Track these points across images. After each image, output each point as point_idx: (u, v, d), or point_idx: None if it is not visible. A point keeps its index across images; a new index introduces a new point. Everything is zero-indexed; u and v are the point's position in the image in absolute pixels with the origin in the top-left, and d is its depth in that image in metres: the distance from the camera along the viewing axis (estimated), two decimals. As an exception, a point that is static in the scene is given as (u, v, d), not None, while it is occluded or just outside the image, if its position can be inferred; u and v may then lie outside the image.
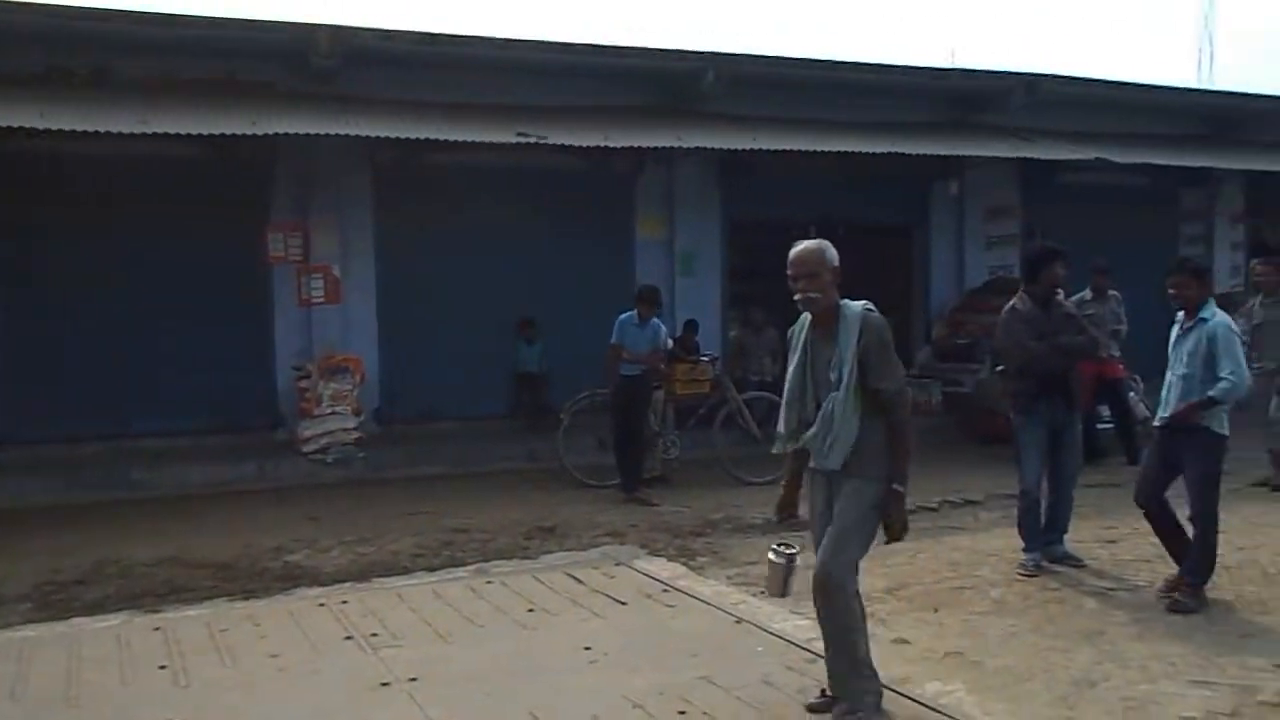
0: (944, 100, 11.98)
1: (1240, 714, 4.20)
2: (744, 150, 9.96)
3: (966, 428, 10.40)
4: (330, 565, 6.69)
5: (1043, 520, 6.32)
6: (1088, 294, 9.47)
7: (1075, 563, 6.30)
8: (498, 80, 10.32)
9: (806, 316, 4.05)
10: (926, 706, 4.27)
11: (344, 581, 6.27)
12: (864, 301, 3.98)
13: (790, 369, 4.09)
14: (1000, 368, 6.92)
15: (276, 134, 8.53)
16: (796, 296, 3.94)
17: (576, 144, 9.35)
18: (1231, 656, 4.79)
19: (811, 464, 4.11)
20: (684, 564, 6.52)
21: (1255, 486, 8.18)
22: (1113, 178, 11.89)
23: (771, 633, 5.15)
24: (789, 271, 3.92)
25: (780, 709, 4.24)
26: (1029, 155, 11.03)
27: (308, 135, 8.65)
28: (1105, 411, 9.48)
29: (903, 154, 10.14)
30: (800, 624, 5.30)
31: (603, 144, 9.41)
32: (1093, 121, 12.28)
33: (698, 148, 10.05)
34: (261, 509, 8.38)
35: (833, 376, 3.87)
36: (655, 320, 8.77)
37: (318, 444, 9.63)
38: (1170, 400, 5.61)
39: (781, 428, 4.16)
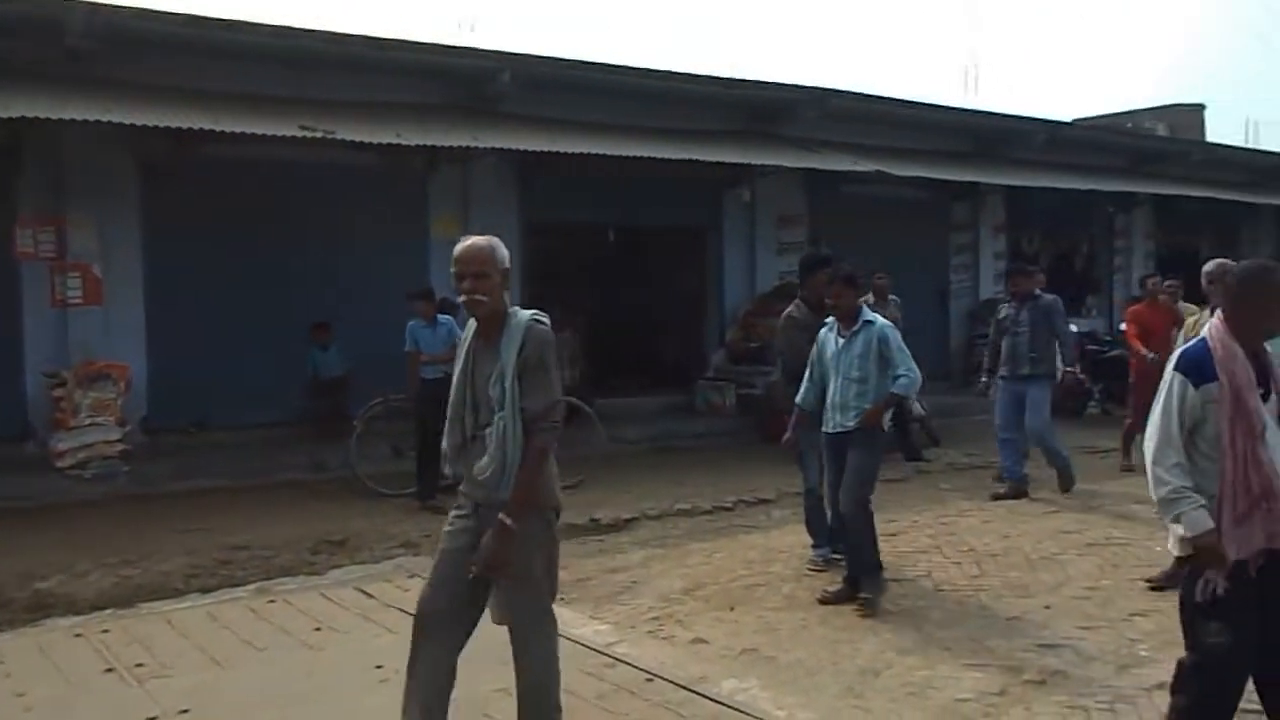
0: (737, 110, 12.32)
1: (1008, 693, 4.45)
2: (542, 152, 9.87)
3: (759, 429, 10.71)
4: (89, 591, 6.10)
5: (829, 516, 6.50)
6: (870, 298, 9.95)
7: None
8: (281, 72, 9.80)
9: (473, 322, 3.64)
10: (723, 705, 4.31)
11: (105, 609, 5.73)
12: (534, 311, 3.60)
13: (454, 381, 3.63)
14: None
15: (22, 118, 7.73)
16: (461, 297, 3.52)
17: (366, 140, 8.98)
18: (1000, 639, 5.10)
19: (464, 488, 3.64)
20: (481, 572, 6.34)
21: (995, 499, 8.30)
22: (892, 189, 12.58)
23: (571, 639, 5.06)
24: (454, 269, 3.49)
25: (580, 715, 4.16)
26: (815, 166, 11.51)
27: (60, 121, 7.88)
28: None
29: (697, 160, 10.34)
30: (600, 629, 5.27)
31: (395, 141, 9.10)
32: (875, 136, 12.96)
33: (494, 148, 9.88)
34: (7, 531, 7.55)
35: (493, 393, 3.45)
36: (444, 318, 8.58)
37: (75, 458, 8.80)
38: (845, 405, 5.72)
39: (446, 446, 3.65)
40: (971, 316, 13.48)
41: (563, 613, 5.37)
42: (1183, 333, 6.84)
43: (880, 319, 5.83)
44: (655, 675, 4.63)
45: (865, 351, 5.66)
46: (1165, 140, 18.80)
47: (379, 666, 4.67)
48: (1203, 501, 3.29)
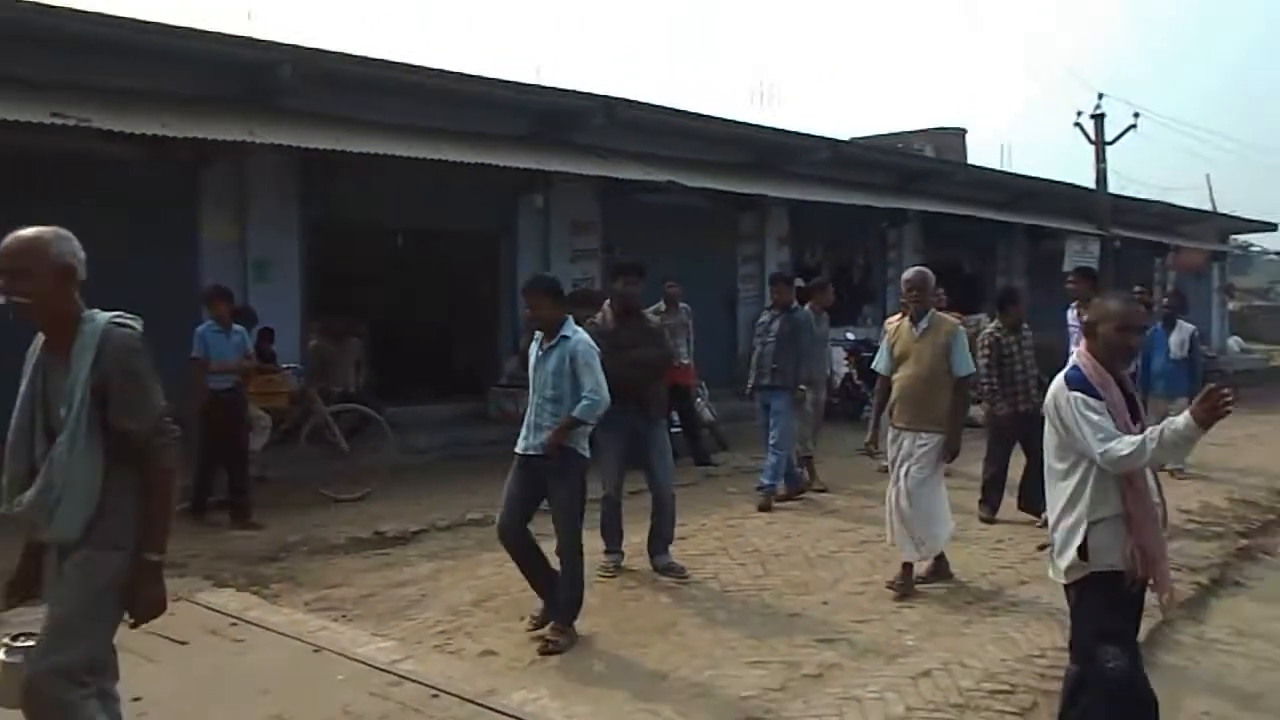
0: (531, 115, 12.28)
1: (787, 687, 4.60)
2: (327, 151, 9.47)
3: (553, 435, 10.66)
4: None
5: (627, 524, 6.51)
6: (661, 305, 10.13)
7: (679, 573, 6.33)
8: (33, 52, 8.95)
9: (40, 335, 3.09)
10: (513, 717, 4.23)
11: None
12: (115, 313, 3.07)
13: (18, 401, 3.03)
14: None
15: None
16: None
17: (126, 130, 8.32)
18: (781, 636, 5.27)
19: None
20: (255, 593, 5.98)
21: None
22: (683, 199, 12.85)
23: (355, 659, 4.86)
24: None
25: (359, 740, 3.98)
26: (607, 174, 11.61)
27: None
28: (674, 416, 10.14)
29: (488, 165, 10.21)
30: (384, 646, 5.07)
31: (159, 133, 8.46)
32: (667, 146, 13.23)
33: (275, 145, 9.39)
34: None
35: (63, 413, 2.90)
36: (240, 327, 8.02)
37: None
38: (539, 426, 5.27)
39: (4, 481, 3.03)
40: (756, 325, 14.05)
41: (344, 631, 5.19)
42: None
43: (580, 334, 5.30)
44: (442, 691, 4.50)
45: (559, 368, 5.23)
46: (933, 160, 20.17)
47: (137, 699, 4.28)
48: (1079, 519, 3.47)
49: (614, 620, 5.54)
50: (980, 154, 23.60)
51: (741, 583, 6.26)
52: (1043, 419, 7.52)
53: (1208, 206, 27.82)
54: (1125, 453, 3.35)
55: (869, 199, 15.17)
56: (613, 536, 6.49)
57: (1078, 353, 3.59)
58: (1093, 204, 19.85)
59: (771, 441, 8.35)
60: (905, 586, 6.01)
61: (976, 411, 8.19)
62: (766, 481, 8.35)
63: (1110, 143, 19.82)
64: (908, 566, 6.09)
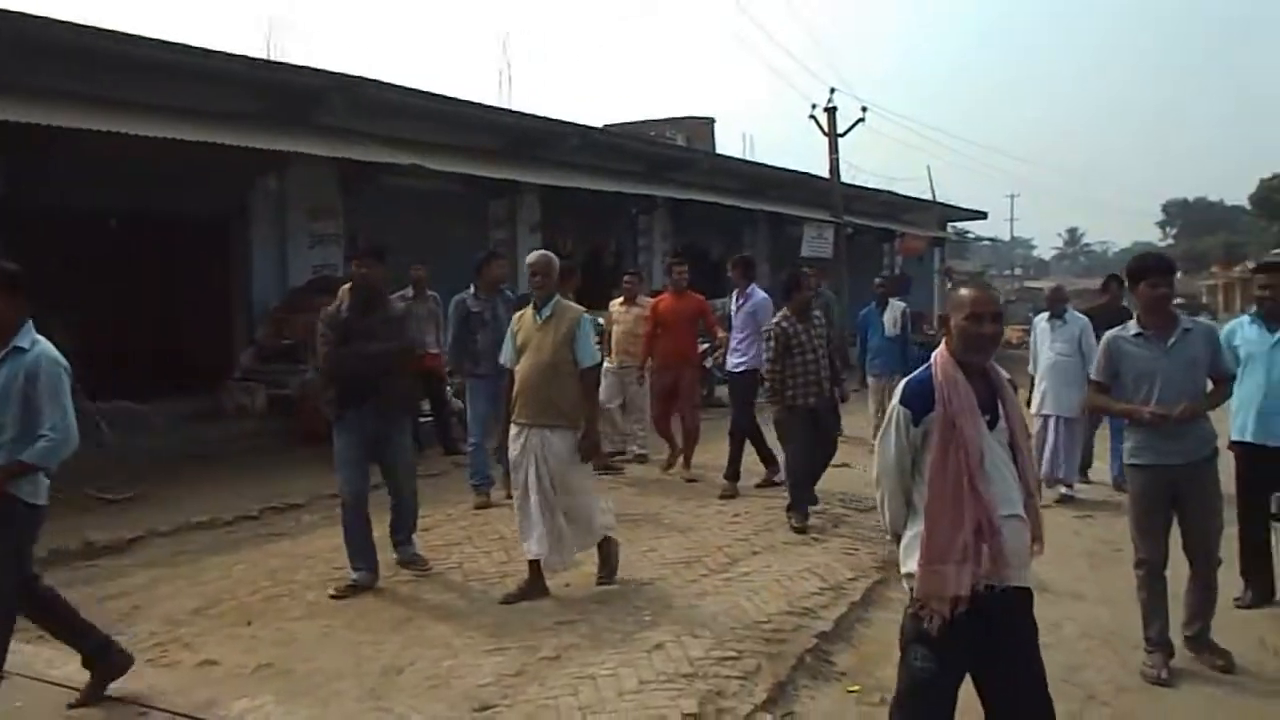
0: (265, 93, 11.59)
1: (524, 672, 4.60)
2: (26, 125, 8.51)
3: (293, 430, 10.18)
4: None
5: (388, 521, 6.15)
6: (409, 292, 9.87)
7: (421, 566, 6.16)
8: None
9: None
10: (230, 728, 3.99)
11: None
12: None
13: None
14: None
15: None
16: None
17: None
18: (522, 622, 5.26)
19: None
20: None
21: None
22: (432, 184, 12.54)
23: (49, 681, 4.44)
24: None
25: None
26: (347, 156, 11.13)
27: None
28: (425, 405, 9.91)
29: (219, 145, 9.54)
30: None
31: None
32: (413, 129, 12.86)
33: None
34: None
35: None
36: None
37: None
38: None
39: None
40: (509, 312, 13.94)
41: (41, 652, 4.72)
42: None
43: (43, 346, 4.05)
44: (151, 707, 4.20)
45: (6, 390, 3.95)
46: (681, 148, 20.77)
47: None
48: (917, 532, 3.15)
49: (348, 619, 5.35)
50: (725, 144, 24.60)
51: (485, 571, 6.20)
52: (836, 412, 7.42)
53: (929, 196, 30.21)
54: (878, 496, 3.32)
55: (619, 185, 15.42)
56: (361, 552, 5.87)
57: (938, 350, 3.25)
58: (827, 192, 21.10)
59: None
60: (533, 590, 5.62)
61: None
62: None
63: (842, 135, 21.12)
64: (535, 566, 5.65)
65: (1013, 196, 79.19)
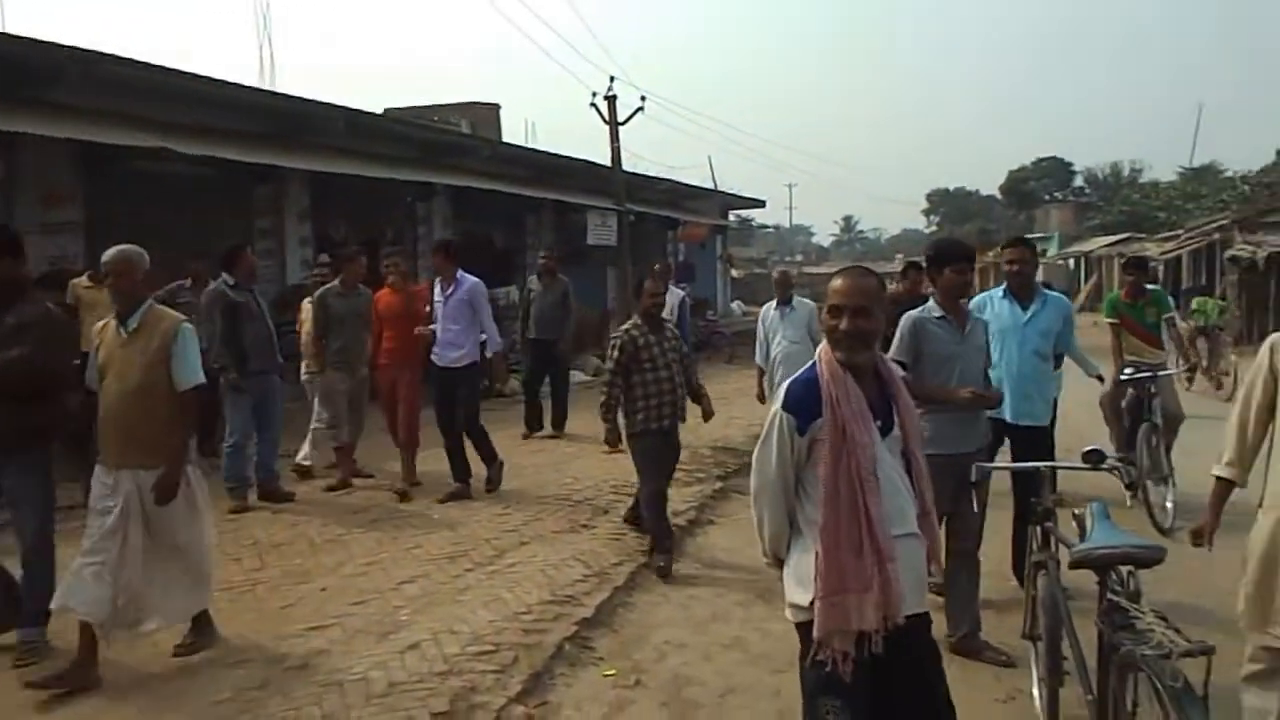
0: (-13, 68, 10.48)
1: (268, 684, 4.39)
2: None
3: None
4: None
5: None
6: (187, 283, 9.30)
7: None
8: None
9: None
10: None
11: None
12: None
13: None
14: None
15: None
16: None
17: None
18: (269, 630, 5.01)
19: None
20: None
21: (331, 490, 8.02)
22: (188, 169, 11.71)
23: None
24: None
25: None
26: (79, 137, 10.23)
27: None
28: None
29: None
30: None
31: None
32: (164, 110, 11.97)
33: None
34: None
35: None
36: None
37: None
38: None
39: None
40: (277, 304, 13.19)
41: None
42: None
43: None
44: None
45: None
46: (460, 135, 20.35)
47: None
48: (810, 561, 2.77)
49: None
50: (510, 130, 24.36)
51: (234, 579, 5.85)
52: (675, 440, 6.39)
53: (711, 184, 31.10)
54: (755, 517, 2.98)
55: (393, 171, 14.94)
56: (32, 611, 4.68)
57: (821, 345, 2.94)
58: (610, 180, 21.29)
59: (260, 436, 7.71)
60: (76, 674, 4.31)
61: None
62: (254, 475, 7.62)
63: (622, 123, 21.33)
64: (87, 631, 4.37)
65: (791, 186, 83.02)
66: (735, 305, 31.04)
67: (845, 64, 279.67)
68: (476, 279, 8.10)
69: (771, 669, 4.69)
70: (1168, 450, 7.24)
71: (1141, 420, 7.35)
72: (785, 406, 2.83)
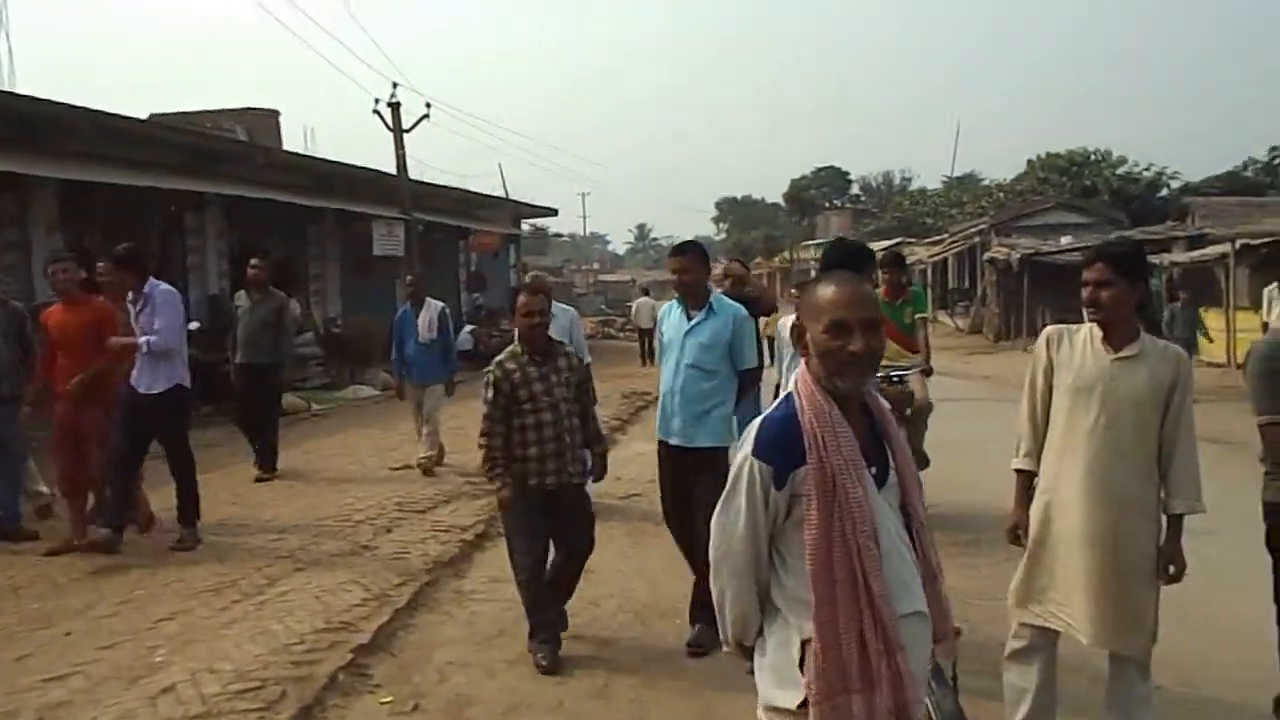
0: None
1: None
2: None
3: None
4: None
5: None
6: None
7: None
8: None
9: None
10: None
11: None
12: None
13: None
14: None
15: None
16: None
17: None
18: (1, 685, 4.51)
19: None
20: None
21: None
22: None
23: None
24: None
25: None
26: None
27: None
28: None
29: None
30: None
31: None
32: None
33: None
34: None
35: None
36: None
37: None
38: None
39: None
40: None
41: None
42: None
43: None
44: None
45: None
46: (232, 141, 19.30)
47: None
48: (794, 652, 2.22)
49: None
50: (290, 138, 23.29)
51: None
52: (584, 499, 5.11)
53: (502, 193, 30.88)
54: (715, 593, 2.38)
55: (154, 180, 13.96)
56: None
57: (798, 371, 2.35)
58: (396, 189, 20.74)
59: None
60: None
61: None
62: None
63: (407, 130, 20.84)
64: None
65: (584, 194, 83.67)
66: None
67: (635, 73, 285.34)
68: (169, 286, 6.87)
69: (555, 680, 4.64)
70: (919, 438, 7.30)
71: None
72: (757, 452, 2.23)
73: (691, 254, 5.02)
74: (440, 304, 9.62)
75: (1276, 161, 37.80)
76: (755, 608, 2.31)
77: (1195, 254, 20.28)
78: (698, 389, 4.87)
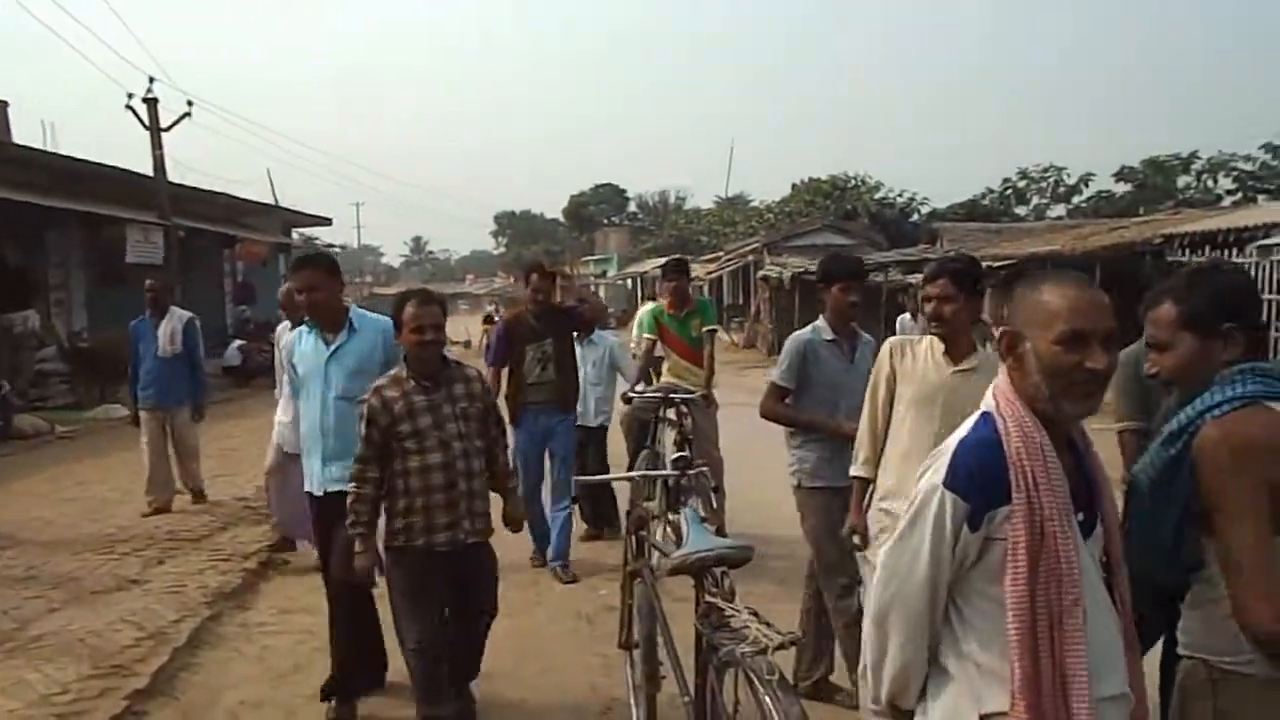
0: None
1: None
2: None
3: None
4: None
5: None
6: None
7: None
8: None
9: None
10: None
11: None
12: None
13: None
14: None
15: None
16: None
17: None
18: None
19: None
20: None
21: None
22: None
23: None
24: None
25: None
26: None
27: None
28: None
29: None
30: None
31: None
32: None
33: None
34: None
35: None
36: None
37: None
38: None
39: None
40: None
41: None
42: None
43: None
44: None
45: None
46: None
47: None
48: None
49: None
50: (24, 133, 21.09)
51: None
52: (487, 563, 4.03)
53: (271, 200, 29.32)
54: (877, 656, 2.02)
55: None
56: None
57: (995, 387, 1.95)
58: (153, 192, 19.22)
59: None
60: None
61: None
62: None
63: (166, 129, 19.35)
64: None
65: (358, 205, 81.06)
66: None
67: (414, 83, 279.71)
68: None
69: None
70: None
71: (643, 445, 6.75)
72: (952, 483, 1.84)
73: (317, 268, 4.23)
74: (187, 313, 8.20)
75: (1009, 191, 41.65)
76: (923, 666, 1.95)
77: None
78: (351, 421, 3.92)
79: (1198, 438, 2.07)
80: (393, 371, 3.89)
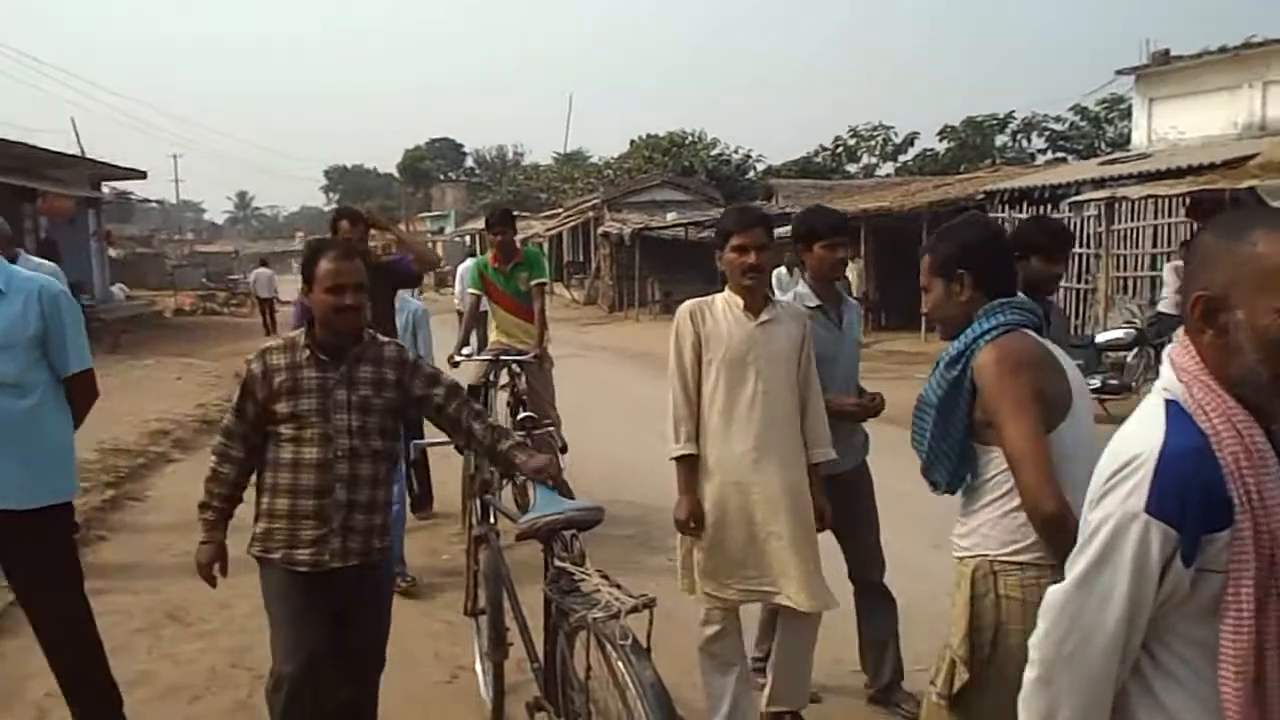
0: None
1: None
2: None
3: None
4: None
5: None
6: None
7: None
8: None
9: None
10: None
11: None
12: None
13: None
14: None
15: None
16: None
17: None
18: None
19: None
20: None
21: None
22: None
23: None
24: None
25: None
26: None
27: None
28: None
29: None
30: None
31: None
32: None
33: None
34: None
35: None
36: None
37: None
38: None
39: None
40: None
41: None
42: None
43: None
44: None
45: None
46: None
47: None
48: None
49: None
50: None
51: None
52: (379, 593, 3.33)
53: (76, 151, 27.23)
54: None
55: None
56: None
57: (1173, 367, 1.50)
58: (-62, 140, 17.52)
59: None
60: None
61: None
62: None
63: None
64: None
65: (176, 157, 76.58)
66: (117, 289, 27.61)
67: (238, 31, 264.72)
68: None
69: (189, 698, 4.07)
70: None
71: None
72: (1161, 510, 1.41)
73: None
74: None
75: (840, 149, 42.90)
76: None
77: (783, 230, 22.40)
78: (10, 416, 3.14)
79: (976, 358, 2.34)
80: (293, 333, 3.12)
